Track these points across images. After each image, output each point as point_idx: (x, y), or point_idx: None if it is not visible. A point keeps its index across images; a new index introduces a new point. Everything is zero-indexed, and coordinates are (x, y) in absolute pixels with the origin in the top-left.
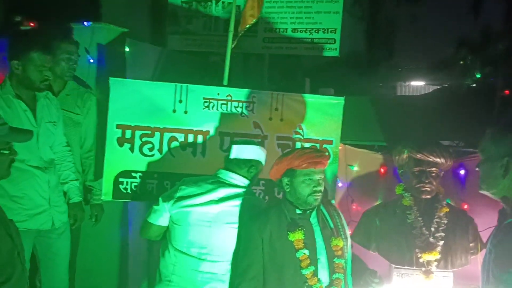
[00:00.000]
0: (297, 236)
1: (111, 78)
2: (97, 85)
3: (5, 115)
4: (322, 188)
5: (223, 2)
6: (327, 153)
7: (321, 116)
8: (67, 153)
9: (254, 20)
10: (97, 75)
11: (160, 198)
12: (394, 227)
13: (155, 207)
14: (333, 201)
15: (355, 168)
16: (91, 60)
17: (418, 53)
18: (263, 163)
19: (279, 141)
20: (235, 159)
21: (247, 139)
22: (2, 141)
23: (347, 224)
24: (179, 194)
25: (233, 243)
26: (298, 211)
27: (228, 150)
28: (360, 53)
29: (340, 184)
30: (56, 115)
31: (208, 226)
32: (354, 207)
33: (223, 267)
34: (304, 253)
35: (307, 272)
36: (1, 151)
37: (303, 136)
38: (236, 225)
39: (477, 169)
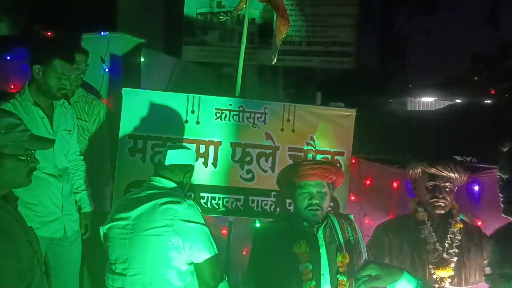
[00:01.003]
0: (300, 249)
1: (124, 88)
2: (112, 94)
3: None
4: (320, 201)
5: (238, 15)
6: (332, 166)
7: (332, 128)
8: (81, 162)
9: (287, 32)
10: (112, 85)
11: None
12: (407, 242)
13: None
14: (351, 216)
15: (368, 182)
16: (107, 70)
17: (430, 69)
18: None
19: (291, 152)
20: (170, 165)
21: (178, 144)
22: (22, 147)
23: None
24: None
25: (152, 252)
26: (305, 224)
27: (239, 161)
28: (371, 69)
29: (352, 198)
30: (71, 123)
31: (125, 238)
32: (366, 221)
33: (144, 280)
34: (307, 267)
35: (307, 287)
36: (19, 157)
37: (314, 148)
38: (154, 231)
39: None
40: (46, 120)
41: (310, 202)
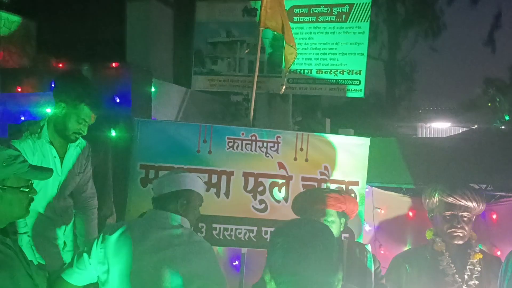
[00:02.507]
0: None
1: (136, 119)
2: (122, 124)
3: (36, 159)
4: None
5: (247, 44)
6: (340, 195)
7: (346, 157)
8: (90, 207)
9: (294, 60)
10: (123, 115)
11: (78, 253)
12: (425, 274)
13: (75, 261)
14: (367, 246)
15: (382, 211)
16: (118, 100)
17: (440, 94)
18: (199, 190)
19: (304, 182)
20: (163, 195)
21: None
22: (22, 179)
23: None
24: (103, 245)
25: None
26: None
27: (252, 191)
28: (380, 95)
29: (367, 228)
30: (83, 165)
31: None
32: (382, 252)
33: None
34: None
35: None
36: (21, 189)
37: (328, 177)
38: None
39: None
40: (58, 159)
41: None
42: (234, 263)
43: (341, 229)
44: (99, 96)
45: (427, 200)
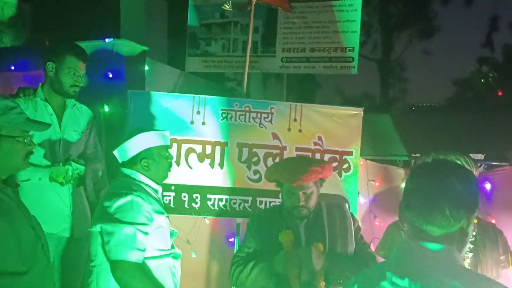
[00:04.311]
0: (284, 238)
1: (129, 91)
2: (115, 99)
3: (28, 114)
4: (306, 202)
5: (241, 24)
6: (318, 166)
7: (340, 127)
8: (96, 162)
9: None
10: (116, 90)
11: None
12: None
13: None
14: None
15: (377, 183)
16: (111, 75)
17: (436, 91)
18: (157, 143)
19: (298, 152)
20: (127, 160)
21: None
22: (18, 129)
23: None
24: None
25: None
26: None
27: (246, 162)
28: (372, 94)
29: (362, 200)
30: (83, 126)
31: None
32: (377, 223)
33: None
34: None
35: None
36: (16, 139)
37: (322, 147)
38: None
39: None
40: (54, 117)
41: (295, 204)
42: (230, 240)
43: (318, 193)
44: (79, 46)
45: None
